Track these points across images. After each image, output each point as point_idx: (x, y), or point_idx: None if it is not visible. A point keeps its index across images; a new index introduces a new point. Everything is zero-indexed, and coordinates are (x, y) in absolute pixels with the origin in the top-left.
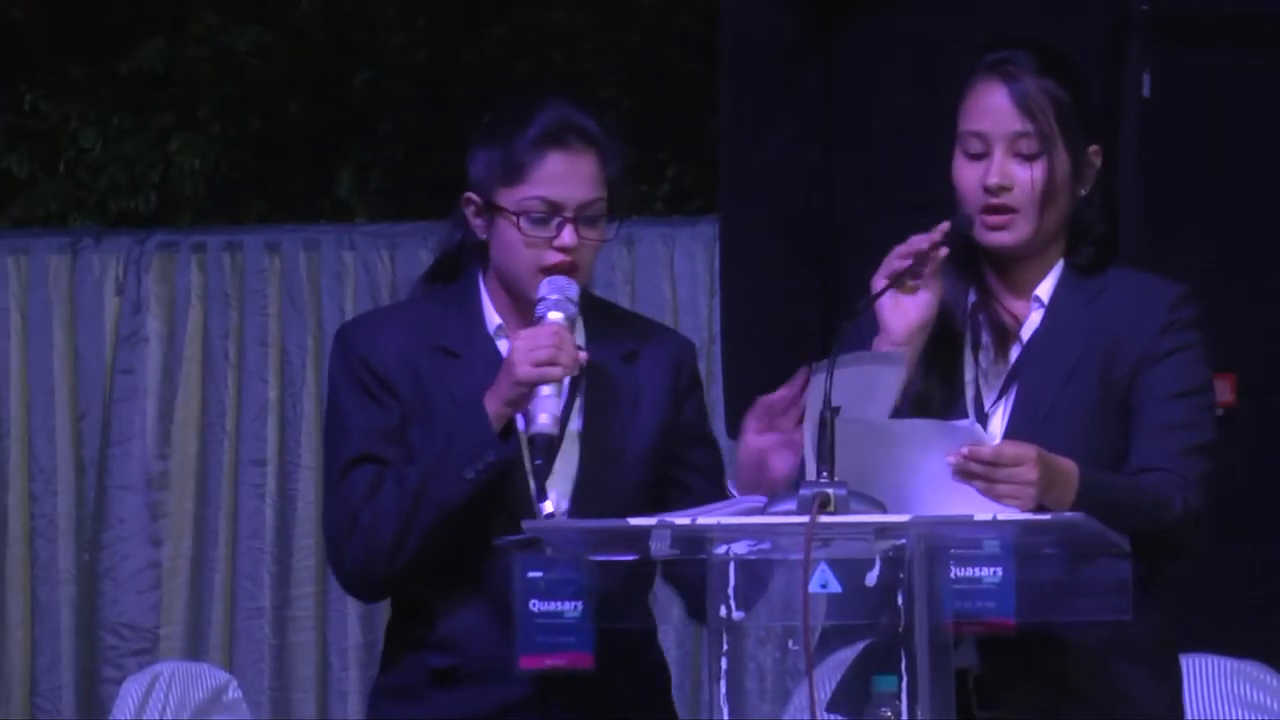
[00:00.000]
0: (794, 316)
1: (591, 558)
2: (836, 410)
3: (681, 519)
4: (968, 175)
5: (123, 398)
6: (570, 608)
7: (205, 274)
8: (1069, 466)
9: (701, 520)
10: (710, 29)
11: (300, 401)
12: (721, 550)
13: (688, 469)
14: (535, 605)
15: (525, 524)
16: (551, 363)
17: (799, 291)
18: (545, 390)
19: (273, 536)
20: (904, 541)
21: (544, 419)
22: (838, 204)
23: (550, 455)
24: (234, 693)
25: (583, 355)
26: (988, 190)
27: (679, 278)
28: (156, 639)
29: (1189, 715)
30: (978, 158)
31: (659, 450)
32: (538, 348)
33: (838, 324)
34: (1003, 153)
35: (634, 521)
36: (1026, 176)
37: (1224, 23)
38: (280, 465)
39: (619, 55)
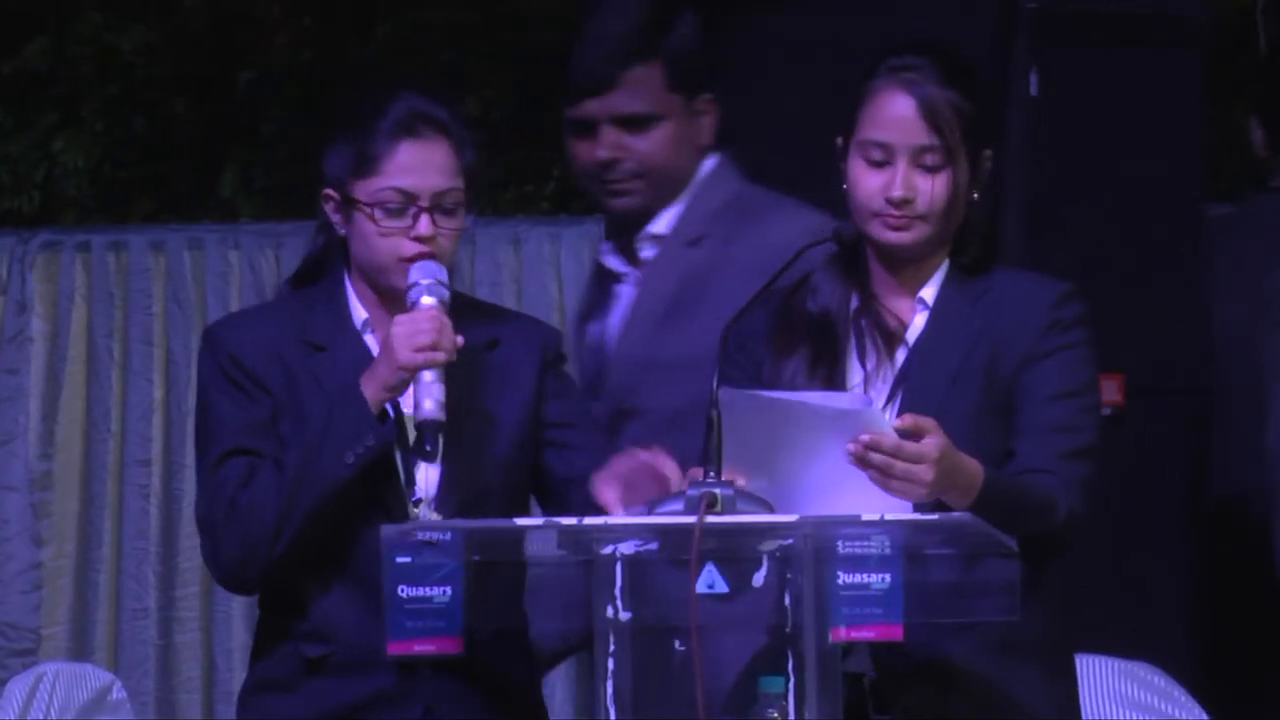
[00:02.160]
0: None
1: (470, 558)
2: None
3: (568, 520)
4: (868, 182)
5: (7, 398)
6: (439, 593)
7: (90, 273)
8: (974, 467)
9: (588, 521)
10: None
11: (185, 401)
12: (608, 550)
13: (555, 427)
14: (404, 590)
15: (415, 526)
16: (434, 347)
17: None
18: (428, 376)
19: (158, 537)
20: (791, 541)
21: (429, 405)
22: None
23: (401, 436)
24: (118, 693)
25: (460, 339)
26: (891, 202)
27: (565, 277)
28: (39, 639)
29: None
30: (879, 166)
31: (527, 433)
32: (418, 332)
33: (723, 326)
34: (906, 164)
35: (520, 521)
36: (930, 188)
37: (1110, 22)
38: (165, 465)
39: (507, 54)
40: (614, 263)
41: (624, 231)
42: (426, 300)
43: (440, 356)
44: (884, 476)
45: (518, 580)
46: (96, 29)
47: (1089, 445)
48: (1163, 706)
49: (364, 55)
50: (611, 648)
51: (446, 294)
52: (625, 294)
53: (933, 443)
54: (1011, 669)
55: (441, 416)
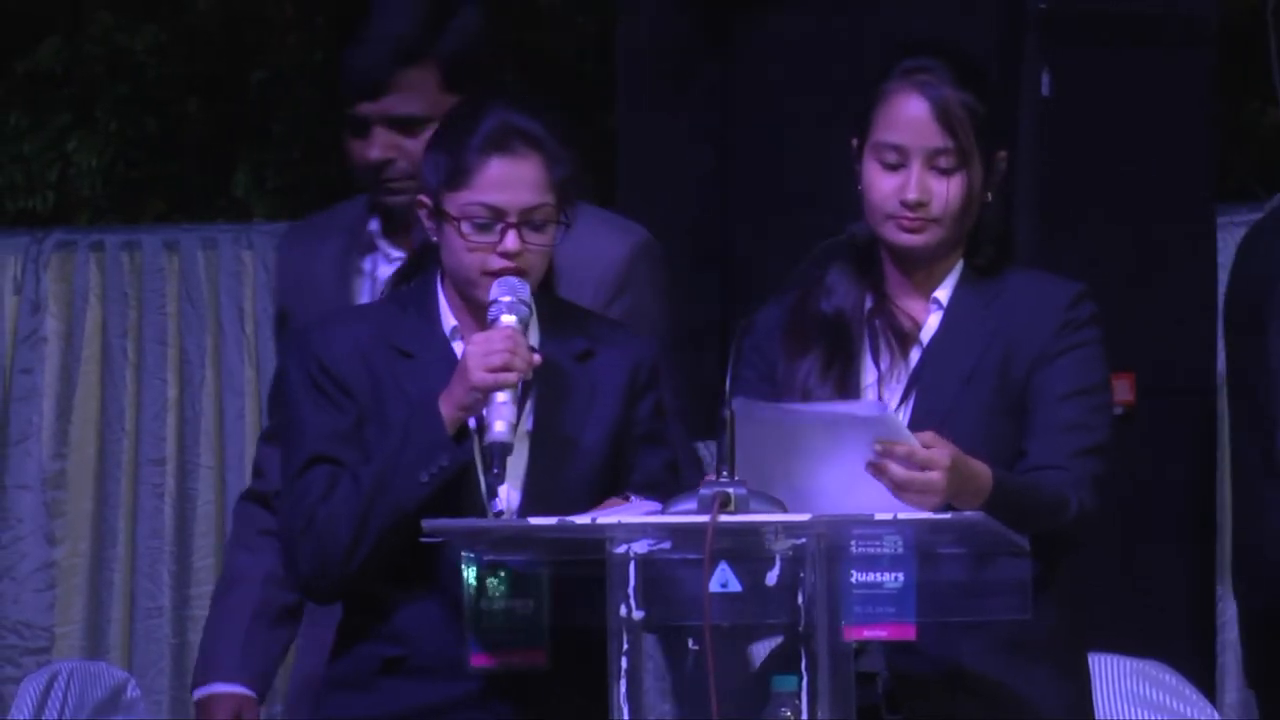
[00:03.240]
0: (693, 316)
1: (480, 559)
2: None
3: (581, 518)
4: (883, 185)
5: (21, 397)
6: (521, 605)
7: (104, 273)
8: (984, 472)
9: (600, 520)
10: (607, 28)
11: (199, 400)
12: (621, 549)
13: (630, 470)
14: (485, 603)
15: (426, 524)
16: (506, 368)
17: (698, 290)
18: (501, 397)
19: (172, 536)
20: (804, 540)
21: (500, 427)
22: (734, 203)
23: (482, 445)
24: (133, 692)
25: (536, 358)
26: (905, 204)
27: None
28: (54, 638)
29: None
30: (894, 168)
31: (613, 449)
32: (492, 353)
33: (735, 323)
34: (920, 166)
35: (534, 521)
36: (944, 191)
37: (1120, 22)
38: (179, 464)
39: (516, 54)
40: (397, 254)
41: (405, 225)
42: (506, 319)
43: (512, 377)
44: (898, 485)
45: (586, 584)
46: (109, 29)
47: (1101, 443)
48: (1174, 705)
49: None
50: (625, 647)
51: (527, 312)
52: None
53: (944, 452)
54: (1025, 668)
55: (510, 439)
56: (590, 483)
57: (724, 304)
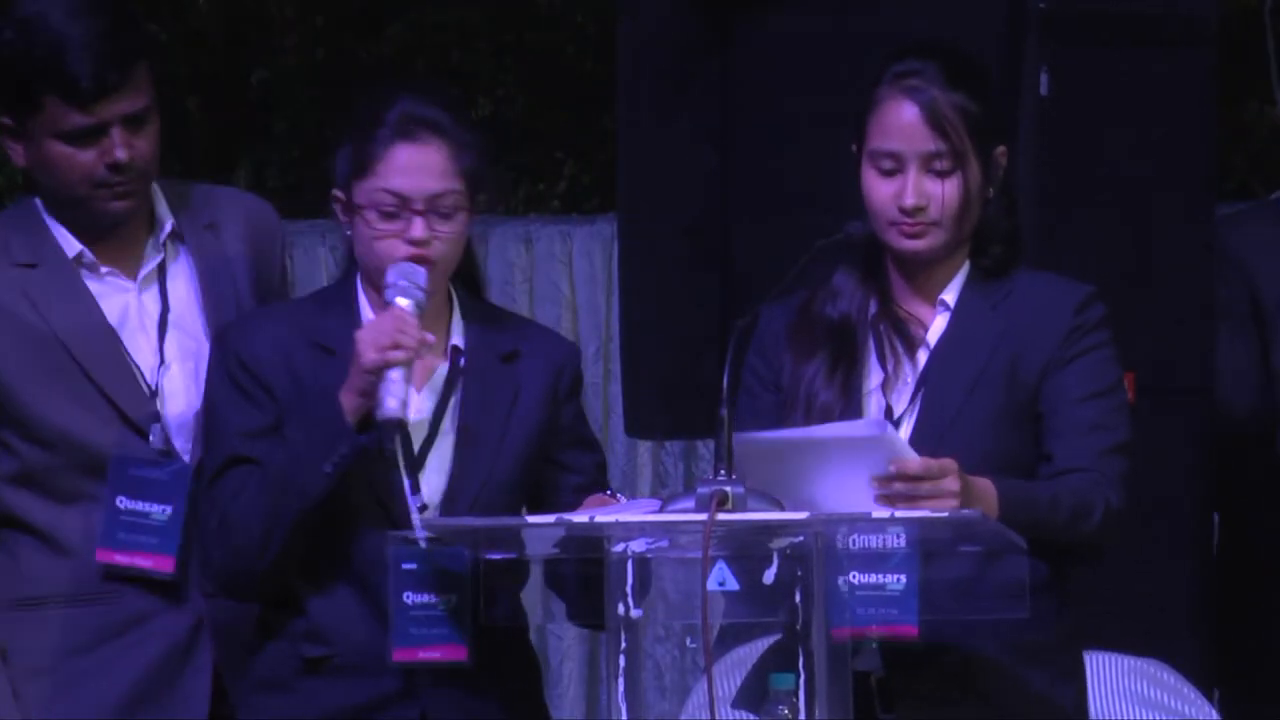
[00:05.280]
0: (692, 316)
1: (479, 556)
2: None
3: (579, 517)
4: (881, 192)
5: None
6: (444, 600)
7: None
8: (987, 488)
9: (599, 518)
10: (608, 27)
11: None
12: (619, 548)
13: (566, 471)
14: (409, 597)
15: (423, 522)
16: (395, 346)
17: (698, 290)
18: (393, 375)
19: None
20: (802, 539)
21: (391, 403)
22: (734, 203)
23: (405, 440)
24: None
25: (429, 337)
26: (904, 210)
27: (577, 276)
28: None
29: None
30: (890, 174)
31: (535, 450)
32: (381, 333)
33: (735, 324)
34: (916, 171)
35: (531, 519)
36: (941, 193)
37: (1120, 21)
38: None
39: (516, 54)
40: (106, 270)
41: (109, 235)
42: (401, 302)
43: (400, 355)
44: (911, 501)
45: (519, 581)
46: None
47: (1123, 441)
48: (1172, 704)
49: (375, 55)
50: (623, 645)
51: (421, 295)
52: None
53: (953, 480)
54: (1022, 668)
55: (401, 415)
56: (513, 481)
57: (724, 304)
